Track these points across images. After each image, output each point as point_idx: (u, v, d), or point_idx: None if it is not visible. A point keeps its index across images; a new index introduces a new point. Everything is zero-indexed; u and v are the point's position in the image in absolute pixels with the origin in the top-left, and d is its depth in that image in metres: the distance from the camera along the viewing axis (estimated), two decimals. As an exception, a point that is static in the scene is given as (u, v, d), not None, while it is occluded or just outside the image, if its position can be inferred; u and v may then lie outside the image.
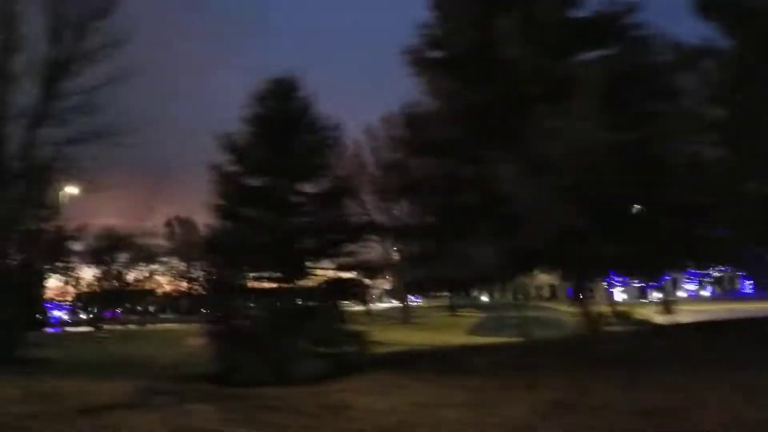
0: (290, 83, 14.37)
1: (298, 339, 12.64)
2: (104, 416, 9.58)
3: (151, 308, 60.00)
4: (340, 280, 13.87)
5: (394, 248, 14.23)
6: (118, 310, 50.00)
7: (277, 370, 12.19)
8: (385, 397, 10.37)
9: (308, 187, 14.03)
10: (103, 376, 14.07)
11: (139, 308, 57.27)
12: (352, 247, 13.73)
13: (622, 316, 37.46)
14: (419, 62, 12.64)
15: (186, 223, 61.56)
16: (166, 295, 59.15)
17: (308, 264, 13.66)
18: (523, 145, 10.89)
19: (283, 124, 14.02)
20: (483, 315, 44.33)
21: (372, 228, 13.90)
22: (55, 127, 18.64)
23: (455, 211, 11.80)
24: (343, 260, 13.76)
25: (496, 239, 10.79)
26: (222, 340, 13.11)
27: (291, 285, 13.61)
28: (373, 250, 15.67)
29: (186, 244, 56.87)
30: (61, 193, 21.89)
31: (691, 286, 62.91)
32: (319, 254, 13.61)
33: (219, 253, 13.93)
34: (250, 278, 13.73)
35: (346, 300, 14.03)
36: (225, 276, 13.88)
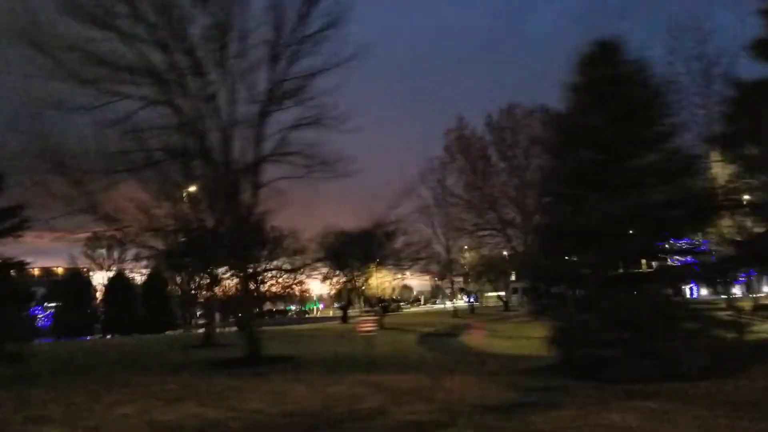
0: (615, 46, 12.84)
1: (677, 330, 11.08)
2: (533, 416, 8.22)
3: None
4: (692, 266, 12.25)
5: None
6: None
7: (662, 364, 10.70)
8: None
9: (647, 160, 12.43)
10: (400, 373, 13.15)
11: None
12: (701, 228, 12.07)
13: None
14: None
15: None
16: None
17: (652, 246, 12.11)
18: None
19: (613, 91, 12.49)
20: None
21: (732, 205, 12.14)
22: (279, 111, 17.67)
23: None
24: (689, 244, 12.14)
25: None
26: (575, 332, 11.68)
27: (633, 270, 12.11)
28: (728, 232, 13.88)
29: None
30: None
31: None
32: (665, 234, 12.00)
33: (548, 237, 12.50)
34: (584, 264, 12.24)
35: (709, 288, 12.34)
36: (556, 262, 12.41)
